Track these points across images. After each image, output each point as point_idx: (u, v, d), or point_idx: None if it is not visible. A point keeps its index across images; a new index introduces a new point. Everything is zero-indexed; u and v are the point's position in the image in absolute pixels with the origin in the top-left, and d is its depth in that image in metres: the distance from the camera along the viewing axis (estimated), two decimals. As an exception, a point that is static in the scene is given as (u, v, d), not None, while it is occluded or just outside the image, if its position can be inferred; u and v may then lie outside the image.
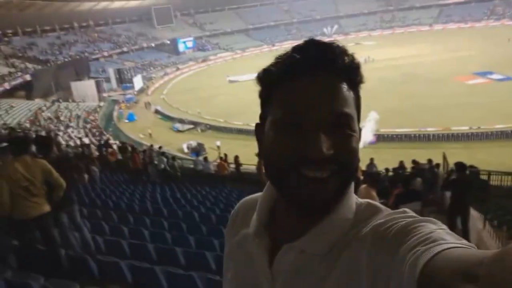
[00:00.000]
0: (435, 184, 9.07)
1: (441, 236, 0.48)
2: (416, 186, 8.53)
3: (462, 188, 6.20)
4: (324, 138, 0.58)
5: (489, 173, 8.72)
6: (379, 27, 67.23)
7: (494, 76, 30.10)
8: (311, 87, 0.60)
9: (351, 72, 0.63)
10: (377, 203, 0.67)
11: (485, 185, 7.50)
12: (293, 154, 0.59)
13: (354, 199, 0.67)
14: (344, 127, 0.60)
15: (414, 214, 0.58)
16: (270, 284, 0.67)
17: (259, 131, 0.70)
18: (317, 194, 0.59)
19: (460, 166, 6.38)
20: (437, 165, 10.07)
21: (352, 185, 0.66)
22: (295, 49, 0.63)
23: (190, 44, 62.76)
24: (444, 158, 10.73)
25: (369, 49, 46.88)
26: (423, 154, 11.62)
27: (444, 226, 0.53)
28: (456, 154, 11.49)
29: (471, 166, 8.36)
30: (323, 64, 0.61)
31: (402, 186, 7.70)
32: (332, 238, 0.62)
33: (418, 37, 55.87)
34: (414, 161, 10.80)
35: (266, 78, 0.66)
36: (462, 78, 30.71)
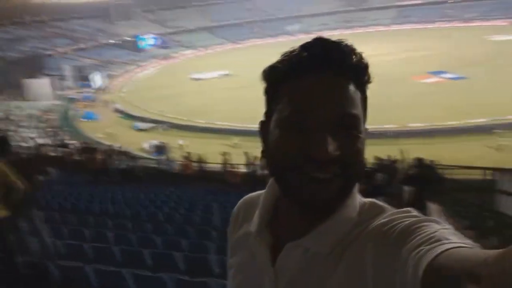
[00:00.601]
0: (394, 179, 9.42)
1: (445, 236, 0.48)
2: (378, 181, 8.83)
3: (421, 182, 6.49)
4: (330, 139, 0.57)
5: (445, 168, 9.17)
6: (340, 26, 68.80)
7: (447, 75, 31.65)
8: (315, 86, 0.60)
9: (358, 72, 0.62)
10: (381, 202, 0.68)
11: (441, 179, 7.88)
12: (298, 153, 0.59)
13: (358, 199, 0.67)
14: (350, 128, 0.60)
15: (417, 214, 0.58)
16: (273, 282, 0.67)
17: (263, 128, 0.69)
18: (318, 194, 0.59)
19: (418, 161, 6.66)
20: (396, 160, 10.47)
21: (357, 185, 0.65)
22: (302, 46, 0.63)
23: (151, 41, 61.33)
24: (402, 154, 11.16)
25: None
26: (381, 150, 12.01)
27: (448, 226, 0.53)
28: (413, 150, 11.97)
29: (428, 162, 8.77)
30: (328, 63, 0.60)
31: (364, 181, 7.94)
32: (337, 237, 0.63)
33: (377, 37, 57.66)
34: (376, 157, 11.15)
35: (272, 75, 0.65)
36: (417, 77, 32.07)
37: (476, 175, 7.92)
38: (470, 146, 18.25)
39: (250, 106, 27.97)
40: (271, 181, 0.72)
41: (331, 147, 0.57)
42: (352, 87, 0.61)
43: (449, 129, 20.63)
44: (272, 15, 73.90)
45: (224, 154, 14.00)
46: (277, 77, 0.64)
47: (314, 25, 69.30)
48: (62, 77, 42.69)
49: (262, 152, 0.68)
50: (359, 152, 0.61)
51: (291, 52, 0.64)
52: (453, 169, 9.33)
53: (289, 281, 0.65)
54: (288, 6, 74.71)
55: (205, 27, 70.38)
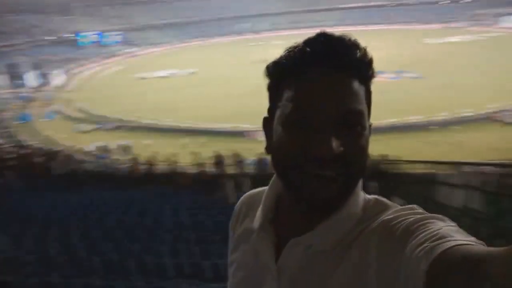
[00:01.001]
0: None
1: (450, 233, 0.48)
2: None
3: (376, 177, 6.85)
4: (333, 136, 0.56)
5: (391, 162, 9.65)
6: (288, 27, 70.13)
7: (387, 75, 33.33)
8: (316, 83, 0.59)
9: (362, 67, 0.61)
10: (385, 199, 0.68)
11: (394, 173, 8.38)
12: (300, 152, 0.58)
13: (362, 196, 0.67)
14: (354, 124, 0.59)
15: (422, 211, 0.59)
16: (275, 279, 0.66)
17: (266, 125, 0.67)
18: (318, 193, 0.58)
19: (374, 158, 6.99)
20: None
21: (361, 182, 0.65)
22: (305, 42, 0.62)
23: (94, 38, 58.58)
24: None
25: (279, 48, 48.78)
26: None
27: (453, 223, 0.54)
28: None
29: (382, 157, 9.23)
30: (329, 59, 0.59)
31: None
32: (339, 235, 0.62)
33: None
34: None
35: (275, 71, 0.64)
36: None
37: (419, 169, 8.42)
38: (408, 142, 19.43)
39: (199, 104, 27.83)
40: (273, 178, 0.72)
41: (334, 144, 0.56)
42: (355, 83, 0.60)
43: (389, 127, 21.75)
44: (222, 14, 73.68)
45: (173, 155, 13.75)
46: (279, 73, 0.63)
47: (263, 25, 70.29)
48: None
49: (266, 149, 0.68)
50: (362, 150, 0.60)
51: (295, 47, 0.63)
52: (399, 163, 9.84)
53: (291, 279, 0.64)
54: (238, 5, 74.94)
55: (153, 25, 68.57)
